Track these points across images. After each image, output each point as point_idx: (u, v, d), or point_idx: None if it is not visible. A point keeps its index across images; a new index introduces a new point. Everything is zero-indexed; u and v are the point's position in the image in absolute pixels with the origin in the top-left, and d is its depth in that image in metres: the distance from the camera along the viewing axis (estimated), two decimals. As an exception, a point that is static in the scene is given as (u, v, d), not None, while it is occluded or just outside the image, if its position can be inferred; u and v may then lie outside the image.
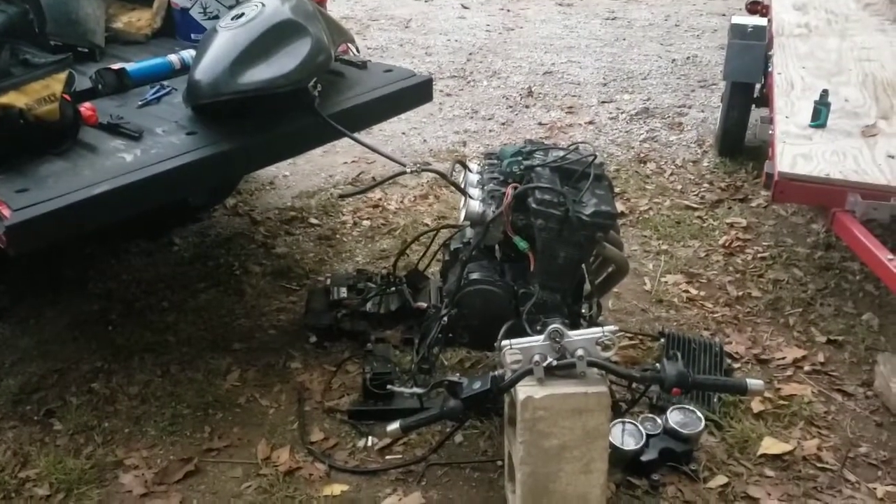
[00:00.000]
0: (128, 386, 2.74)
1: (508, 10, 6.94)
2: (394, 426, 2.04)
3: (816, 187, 2.79)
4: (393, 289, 2.98)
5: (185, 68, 2.74)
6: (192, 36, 3.04)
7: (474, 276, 2.32)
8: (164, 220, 3.58)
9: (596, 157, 2.34)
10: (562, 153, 2.39)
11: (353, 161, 4.34)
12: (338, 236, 3.65)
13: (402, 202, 3.93)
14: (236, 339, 2.96)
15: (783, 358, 2.80)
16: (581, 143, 2.49)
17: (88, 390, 2.74)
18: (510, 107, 5.05)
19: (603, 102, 5.05)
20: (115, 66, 2.75)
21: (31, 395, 2.72)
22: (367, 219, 3.79)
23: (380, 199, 3.93)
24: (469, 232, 2.50)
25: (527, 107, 5.05)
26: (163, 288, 3.25)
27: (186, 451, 2.49)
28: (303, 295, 3.18)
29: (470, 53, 5.96)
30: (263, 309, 3.14)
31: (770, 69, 3.70)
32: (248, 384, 2.76)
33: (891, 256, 2.52)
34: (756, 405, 2.55)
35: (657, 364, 2.02)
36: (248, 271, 3.36)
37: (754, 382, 1.96)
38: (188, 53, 2.83)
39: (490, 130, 4.75)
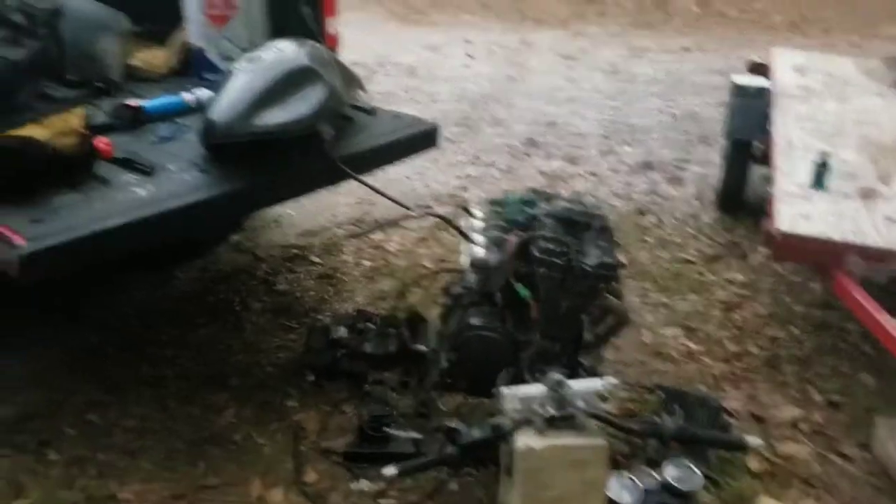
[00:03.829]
0: (124, 419, 2.74)
1: (512, 61, 7.06)
2: (390, 470, 2.03)
3: (816, 247, 2.83)
4: (392, 331, 2.99)
5: (200, 107, 2.79)
6: (207, 76, 3.09)
7: (475, 321, 2.34)
8: (168, 253, 3.60)
9: (600, 208, 2.38)
10: (566, 203, 2.43)
11: (357, 202, 4.38)
12: (339, 275, 3.68)
13: (402, 244, 3.96)
14: (234, 375, 2.97)
15: (780, 416, 2.81)
16: (585, 193, 2.53)
17: (84, 422, 2.73)
18: (512, 155, 5.12)
19: (604, 154, 5.12)
20: (132, 103, 2.80)
21: (27, 425, 2.72)
22: (369, 259, 3.82)
23: (381, 241, 3.96)
24: (470, 277, 2.52)
25: (528, 155, 5.11)
26: (162, 322, 3.26)
27: (180, 487, 2.48)
28: (302, 333, 3.19)
29: (474, 101, 6.05)
30: (262, 346, 3.15)
31: (770, 128, 3.78)
32: (244, 421, 2.76)
33: (888, 318, 2.56)
34: (753, 464, 2.56)
35: (656, 417, 2.03)
36: (248, 307, 3.38)
37: (752, 439, 1.96)
38: (203, 92, 2.88)
39: (492, 177, 4.81)
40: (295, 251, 3.87)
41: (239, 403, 2.82)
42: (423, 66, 6.83)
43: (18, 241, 2.05)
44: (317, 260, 3.81)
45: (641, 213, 4.34)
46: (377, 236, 3.97)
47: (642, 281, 3.67)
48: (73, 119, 2.38)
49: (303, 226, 4.13)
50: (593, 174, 4.83)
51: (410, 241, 3.99)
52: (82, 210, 2.23)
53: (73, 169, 2.38)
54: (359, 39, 7.38)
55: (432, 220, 4.04)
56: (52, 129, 2.31)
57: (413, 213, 2.49)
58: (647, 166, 4.93)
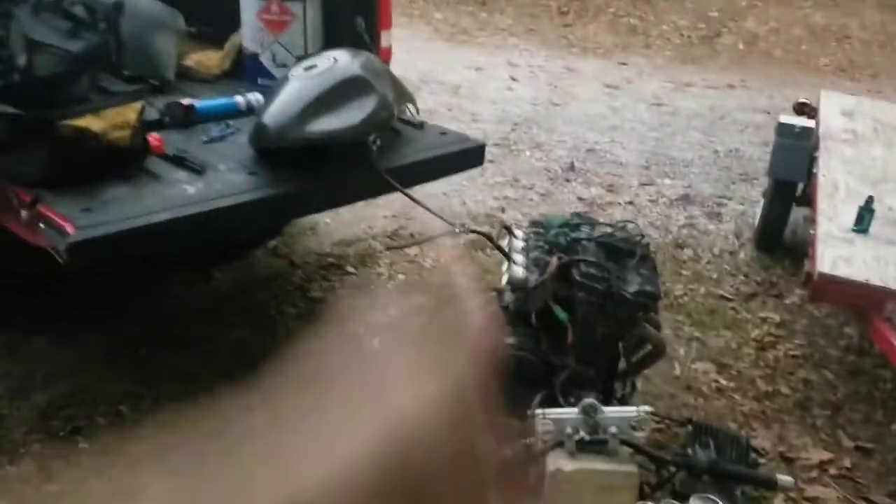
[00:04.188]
0: (155, 412, 2.77)
1: (556, 86, 7.07)
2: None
3: (855, 291, 2.80)
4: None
5: (251, 110, 2.84)
6: (260, 81, 3.14)
7: (510, 341, 2.34)
8: (209, 253, 3.64)
9: (643, 236, 2.38)
10: (609, 229, 2.43)
11: (394, 216, 4.41)
12: (372, 287, 3.69)
13: (438, 260, 3.97)
14: (266, 378, 2.98)
15: (809, 459, 2.78)
16: (628, 221, 2.53)
17: (116, 412, 2.77)
18: (551, 179, 5.12)
19: (643, 185, 5.11)
20: (185, 102, 2.85)
21: (60, 411, 2.76)
22: (403, 273, 3.83)
23: (416, 255, 3.98)
24: (508, 296, 2.53)
25: (567, 181, 5.11)
26: (198, 319, 3.30)
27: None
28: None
29: (515, 124, 6.06)
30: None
31: (815, 170, 3.75)
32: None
33: (927, 368, 2.52)
34: (779, 504, 2.53)
35: (687, 450, 2.02)
36: (282, 312, 3.41)
37: (784, 479, 1.95)
38: (254, 97, 2.93)
39: (529, 199, 4.81)
40: (330, 259, 3.89)
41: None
42: (467, 86, 6.87)
43: (68, 228, 2.10)
44: (351, 270, 3.83)
45: (679, 246, 4.32)
46: (413, 250, 3.99)
47: (676, 314, 3.65)
48: (129, 113, 2.43)
49: (339, 235, 4.16)
50: (631, 203, 4.82)
51: (446, 258, 3.99)
52: (132, 203, 2.28)
53: (126, 162, 2.44)
54: (405, 56, 7.46)
55: (469, 238, 4.05)
56: (108, 122, 2.36)
57: (455, 230, 2.50)
58: (687, 200, 4.91)
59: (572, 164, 5.34)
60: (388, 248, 3.82)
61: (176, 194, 2.36)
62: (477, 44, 8.42)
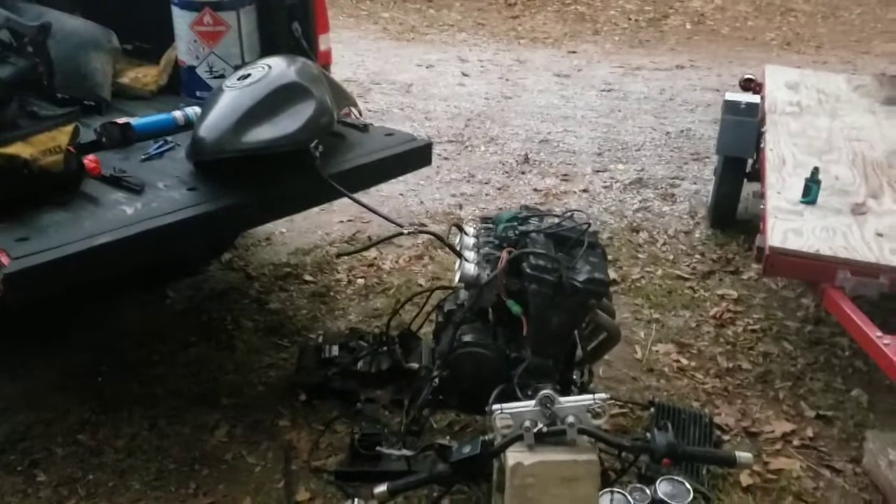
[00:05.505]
0: (114, 438, 2.72)
1: (507, 79, 7.08)
2: (381, 488, 2.02)
3: (807, 263, 2.83)
4: (385, 349, 2.98)
5: (189, 124, 2.79)
6: (198, 94, 3.09)
7: (467, 338, 2.33)
8: (159, 272, 3.59)
9: (590, 224, 2.38)
10: (557, 220, 2.43)
11: (350, 220, 4.38)
12: (331, 294, 3.66)
13: (396, 262, 3.95)
14: (225, 395, 2.95)
15: (772, 431, 2.80)
16: (576, 210, 2.53)
17: (74, 441, 2.72)
18: (506, 172, 5.12)
19: (597, 171, 5.13)
20: (120, 121, 2.79)
21: (17, 445, 2.70)
22: (362, 277, 3.81)
23: (375, 259, 3.96)
24: (463, 294, 2.51)
25: (522, 173, 5.12)
26: (154, 340, 3.25)
27: (170, 508, 2.46)
28: (294, 352, 3.18)
29: (468, 119, 6.06)
30: (254, 365, 3.13)
31: (762, 145, 3.78)
32: (235, 440, 2.74)
33: (879, 334, 2.55)
34: (744, 478, 2.55)
35: (647, 434, 2.02)
36: (240, 326, 3.36)
37: (743, 455, 1.95)
38: (192, 110, 2.88)
39: (486, 195, 4.81)
40: (287, 269, 3.85)
41: (230, 423, 2.81)
42: (418, 84, 6.85)
43: (3, 259, 2.04)
44: (309, 278, 3.80)
45: (634, 230, 4.34)
46: (371, 254, 3.97)
47: (635, 297, 3.67)
48: (60, 137, 2.37)
49: (295, 244, 4.12)
50: (586, 191, 4.83)
51: (405, 258, 3.98)
52: (70, 228, 2.23)
53: (61, 187, 2.38)
54: (354, 57, 7.44)
55: (427, 237, 4.04)
56: (38, 147, 2.30)
57: (404, 231, 2.48)
58: (640, 183, 4.94)
59: (526, 156, 5.34)
60: (339, 256, 3.79)
61: (114, 216, 2.30)
62: (426, 41, 8.41)
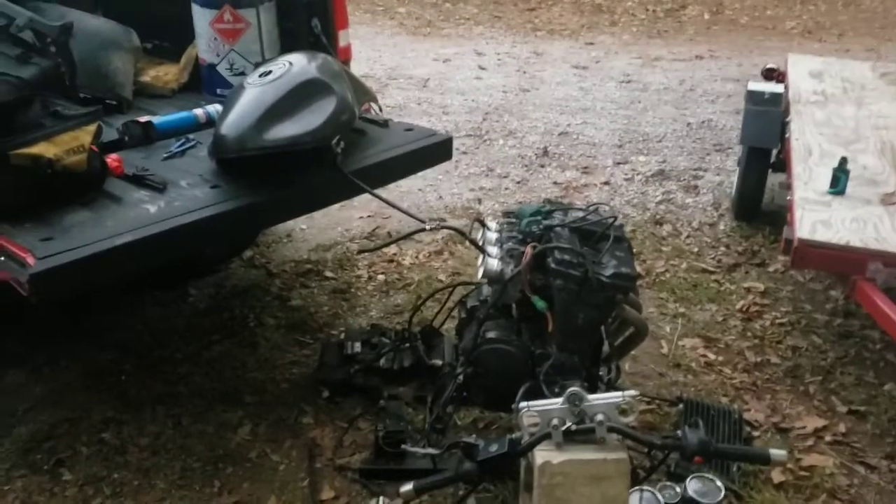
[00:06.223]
0: (139, 437, 2.72)
1: (525, 72, 7.03)
2: (407, 487, 2.00)
3: (837, 254, 2.78)
4: (407, 345, 2.96)
5: (211, 122, 2.78)
6: (218, 91, 3.09)
7: (491, 334, 2.31)
8: (181, 271, 3.59)
9: (616, 218, 2.34)
10: (581, 214, 2.39)
11: (370, 216, 4.36)
12: (353, 290, 3.65)
13: (417, 258, 3.93)
14: (248, 392, 2.95)
15: (803, 427, 2.75)
16: (599, 203, 2.49)
17: (99, 440, 2.72)
18: (525, 166, 5.09)
19: (618, 164, 5.08)
20: (142, 119, 2.80)
21: (42, 444, 2.71)
22: (382, 273, 3.79)
23: (395, 255, 3.94)
24: (486, 290, 2.48)
25: (542, 166, 5.08)
26: (177, 339, 3.25)
27: (195, 506, 2.46)
28: (316, 349, 3.17)
29: (486, 113, 6.03)
30: (276, 362, 3.13)
31: (787, 135, 3.73)
32: (259, 438, 2.73)
33: (913, 326, 2.50)
34: (777, 475, 2.51)
35: (677, 431, 1.99)
36: (262, 324, 3.36)
37: (777, 452, 1.91)
38: (213, 108, 2.87)
39: (505, 188, 4.78)
40: (308, 266, 3.85)
41: (253, 421, 2.80)
42: (436, 79, 6.82)
43: (29, 259, 2.04)
44: (330, 275, 3.79)
45: (657, 222, 4.30)
46: (391, 250, 3.95)
47: (659, 291, 3.62)
48: (83, 136, 2.37)
49: (316, 240, 4.11)
50: (607, 183, 4.79)
51: (424, 254, 3.96)
52: (93, 227, 2.23)
53: (84, 186, 2.38)
54: (371, 53, 7.42)
55: (447, 232, 4.01)
56: (62, 147, 2.30)
57: (426, 227, 2.46)
58: (662, 175, 4.89)
59: (546, 149, 5.31)
60: (360, 252, 3.77)
61: (137, 215, 2.30)
62: (443, 35, 8.38)
